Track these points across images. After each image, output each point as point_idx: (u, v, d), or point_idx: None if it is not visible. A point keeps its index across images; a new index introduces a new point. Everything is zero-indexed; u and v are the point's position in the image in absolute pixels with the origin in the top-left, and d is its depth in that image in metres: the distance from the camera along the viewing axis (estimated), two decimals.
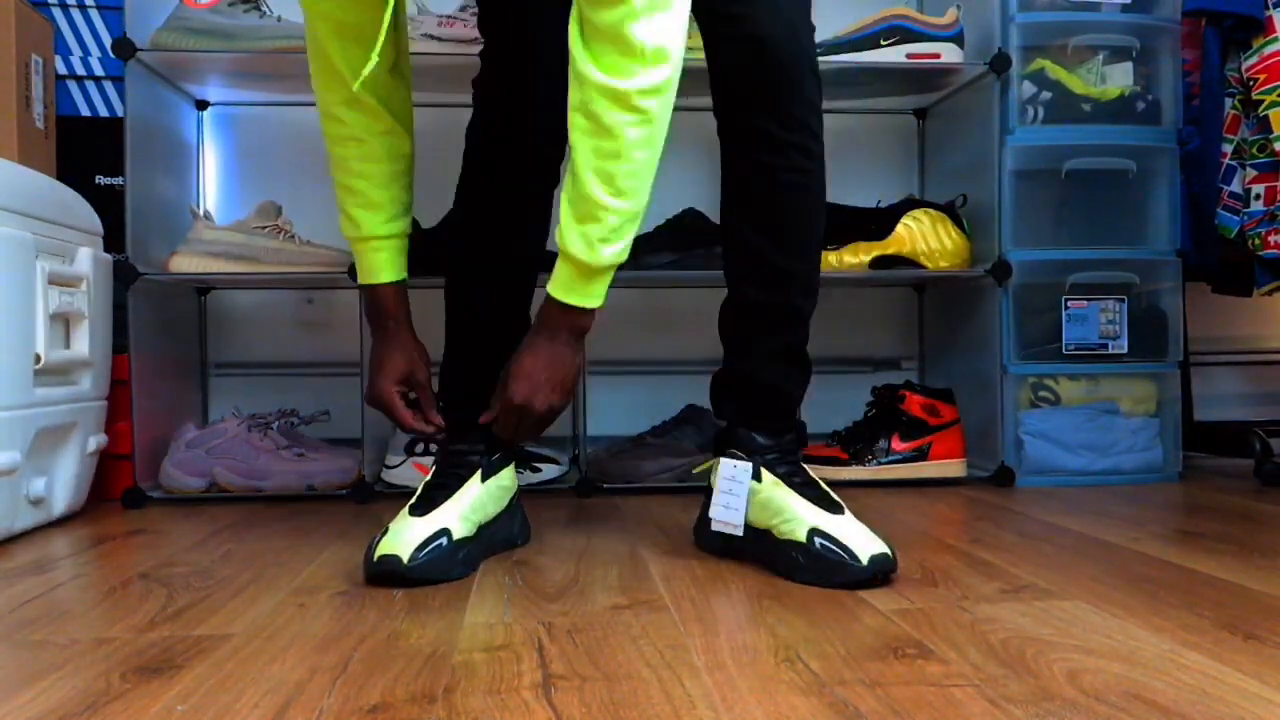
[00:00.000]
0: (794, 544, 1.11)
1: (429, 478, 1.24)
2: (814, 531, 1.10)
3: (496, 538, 1.27)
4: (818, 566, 1.09)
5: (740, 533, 1.18)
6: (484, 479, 1.23)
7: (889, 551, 1.08)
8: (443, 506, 1.17)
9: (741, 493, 1.18)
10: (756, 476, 1.18)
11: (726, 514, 1.19)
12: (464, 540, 1.17)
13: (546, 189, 1.31)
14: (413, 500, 1.20)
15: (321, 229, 1.94)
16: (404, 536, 1.12)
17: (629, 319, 2.14)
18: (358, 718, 0.71)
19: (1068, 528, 1.42)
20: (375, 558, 1.11)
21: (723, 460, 1.21)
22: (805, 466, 1.21)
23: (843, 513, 1.13)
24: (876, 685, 0.76)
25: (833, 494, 1.17)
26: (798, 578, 1.10)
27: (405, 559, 1.09)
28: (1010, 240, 1.86)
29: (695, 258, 1.82)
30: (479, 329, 1.31)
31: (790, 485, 1.16)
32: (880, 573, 1.07)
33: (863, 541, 1.09)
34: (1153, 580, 1.10)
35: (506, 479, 1.29)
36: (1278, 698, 0.73)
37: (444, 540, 1.13)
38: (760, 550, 1.17)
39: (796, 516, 1.13)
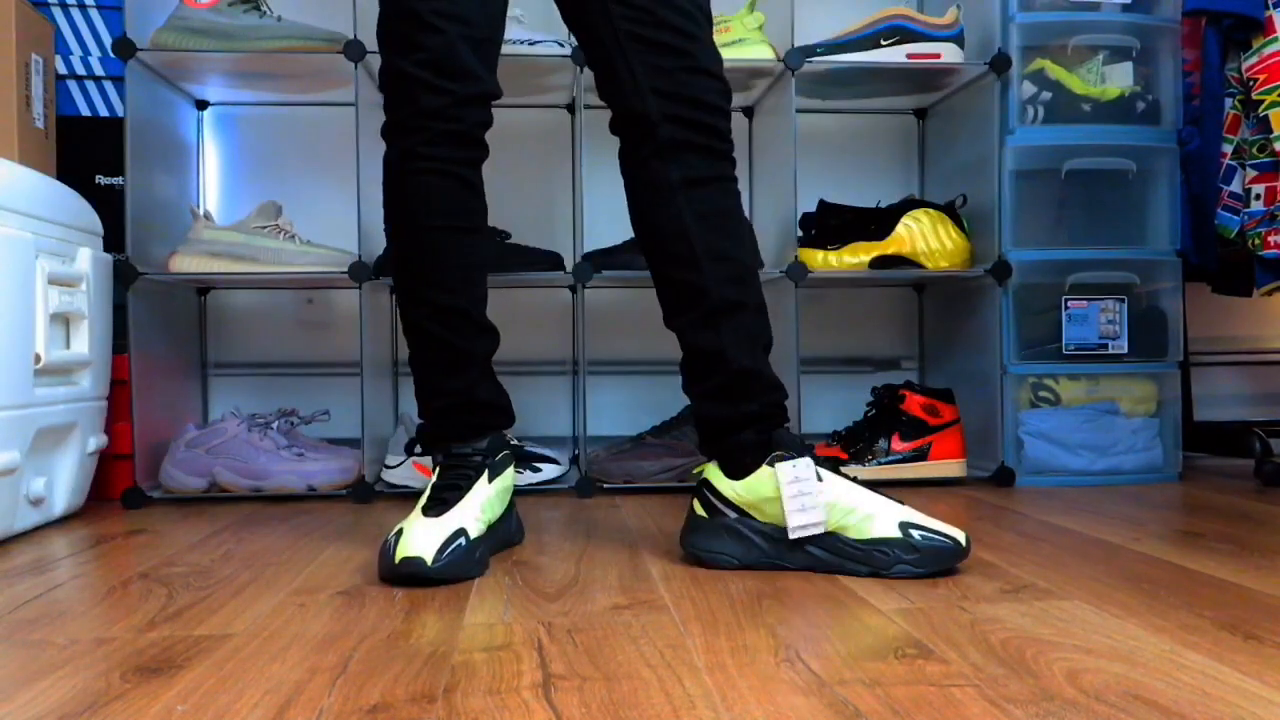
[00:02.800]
0: (883, 541, 1.12)
1: (434, 479, 1.24)
2: (906, 525, 1.12)
3: (499, 536, 1.28)
4: (927, 557, 1.11)
5: (823, 530, 1.14)
6: (490, 479, 1.24)
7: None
8: (458, 506, 1.17)
9: (813, 489, 1.14)
10: (818, 476, 1.15)
11: (805, 516, 1.14)
12: (478, 539, 1.17)
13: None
14: (423, 502, 1.19)
15: (321, 229, 1.95)
16: (423, 538, 1.12)
17: (629, 319, 2.14)
18: (358, 718, 0.71)
19: (1068, 528, 1.42)
20: (396, 559, 1.10)
21: (779, 465, 1.15)
22: None
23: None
24: (876, 685, 0.76)
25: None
26: (897, 572, 1.11)
27: (429, 560, 1.10)
28: (1010, 240, 1.87)
29: None
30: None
31: (849, 480, 1.17)
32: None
33: (950, 528, 1.14)
34: (1153, 580, 1.10)
35: (509, 478, 1.29)
36: (1278, 698, 0.73)
37: (462, 540, 1.14)
38: (827, 551, 1.14)
39: (876, 512, 1.13)
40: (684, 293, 1.22)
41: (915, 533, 1.11)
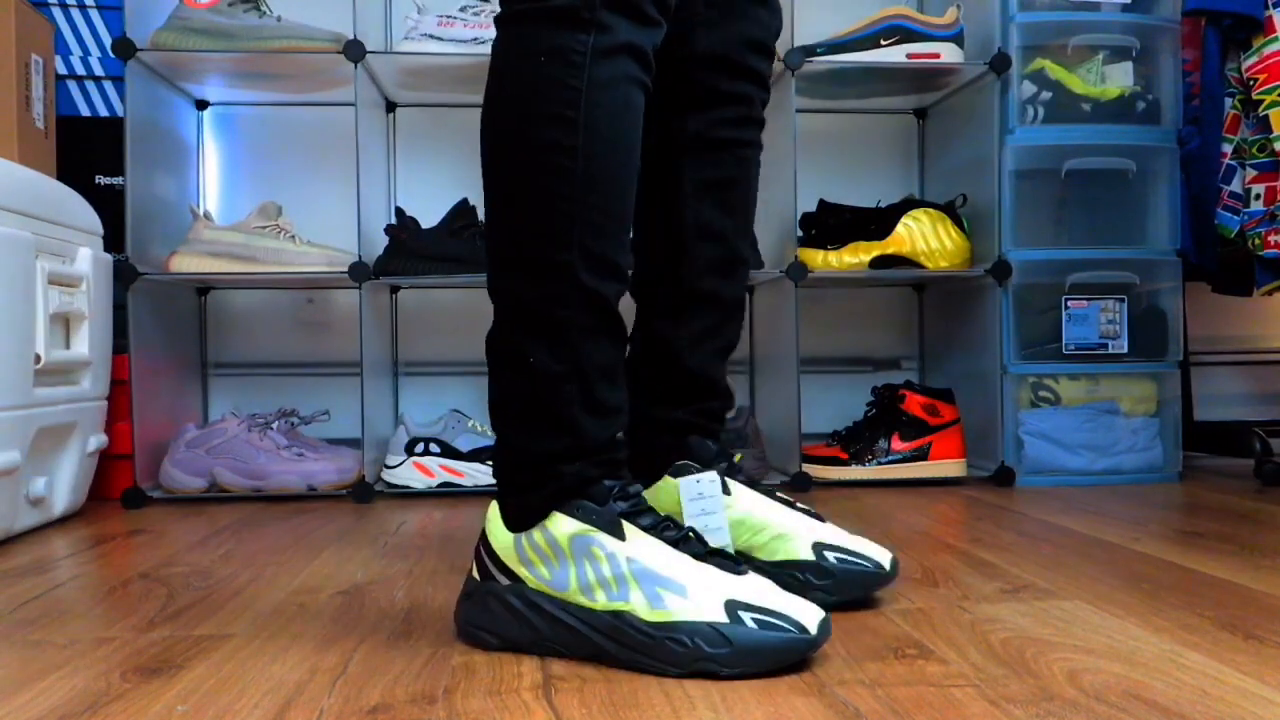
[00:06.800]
0: (793, 564, 0.96)
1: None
2: (821, 546, 0.96)
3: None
4: (842, 583, 0.96)
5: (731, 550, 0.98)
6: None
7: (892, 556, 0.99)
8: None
9: (718, 509, 0.98)
10: (725, 489, 0.99)
11: (716, 537, 0.98)
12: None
13: None
14: (658, 526, 0.84)
15: (321, 229, 1.95)
16: (799, 609, 0.80)
17: (629, 319, 2.14)
18: (358, 718, 0.71)
19: (1068, 528, 1.42)
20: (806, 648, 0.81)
21: (683, 480, 0.98)
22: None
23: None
24: (876, 685, 0.76)
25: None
26: (811, 598, 0.90)
27: (815, 631, 0.79)
28: (1010, 240, 1.87)
29: None
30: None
31: (766, 495, 1.01)
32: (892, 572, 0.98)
33: (876, 548, 0.99)
34: (1153, 580, 1.10)
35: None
36: (1278, 698, 0.73)
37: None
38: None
39: (788, 531, 0.97)
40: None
41: (830, 555, 0.95)
